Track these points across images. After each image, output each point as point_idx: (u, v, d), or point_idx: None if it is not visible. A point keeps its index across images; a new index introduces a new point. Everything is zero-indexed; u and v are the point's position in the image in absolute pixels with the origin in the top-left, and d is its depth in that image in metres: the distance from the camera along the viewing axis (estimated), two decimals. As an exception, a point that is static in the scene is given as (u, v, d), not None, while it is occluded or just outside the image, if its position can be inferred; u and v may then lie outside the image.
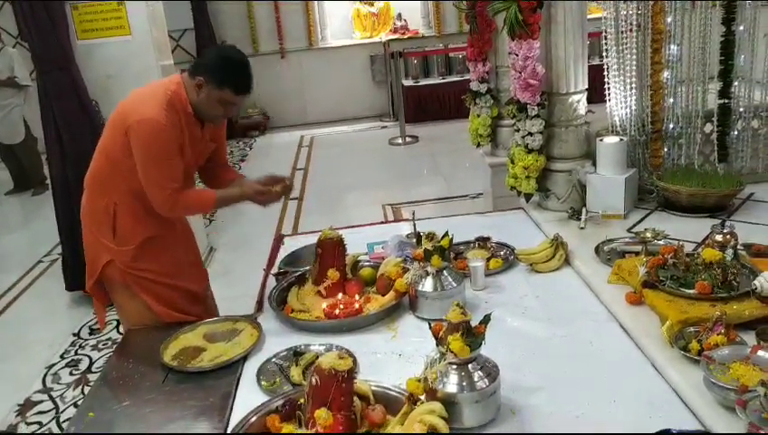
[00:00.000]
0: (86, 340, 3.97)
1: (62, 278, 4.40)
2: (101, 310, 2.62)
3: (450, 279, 2.09)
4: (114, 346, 3.73)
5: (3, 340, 4.11)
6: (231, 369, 1.97)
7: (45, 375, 3.61)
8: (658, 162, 2.82)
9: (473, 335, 1.55)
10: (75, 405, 3.22)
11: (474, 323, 1.61)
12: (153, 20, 4.36)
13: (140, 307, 2.42)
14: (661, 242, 2.24)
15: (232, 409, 1.77)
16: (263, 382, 1.85)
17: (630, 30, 2.71)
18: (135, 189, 2.30)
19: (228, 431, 1.64)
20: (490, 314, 1.63)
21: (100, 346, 3.87)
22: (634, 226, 2.54)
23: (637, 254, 2.23)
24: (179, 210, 2.39)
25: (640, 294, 1.94)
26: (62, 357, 3.79)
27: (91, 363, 3.68)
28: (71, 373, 3.61)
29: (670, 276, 1.92)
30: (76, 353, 3.80)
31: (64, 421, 3.16)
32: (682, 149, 2.82)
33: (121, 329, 3.99)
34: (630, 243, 2.36)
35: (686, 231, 2.39)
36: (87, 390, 3.36)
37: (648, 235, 2.24)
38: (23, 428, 3.21)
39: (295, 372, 1.86)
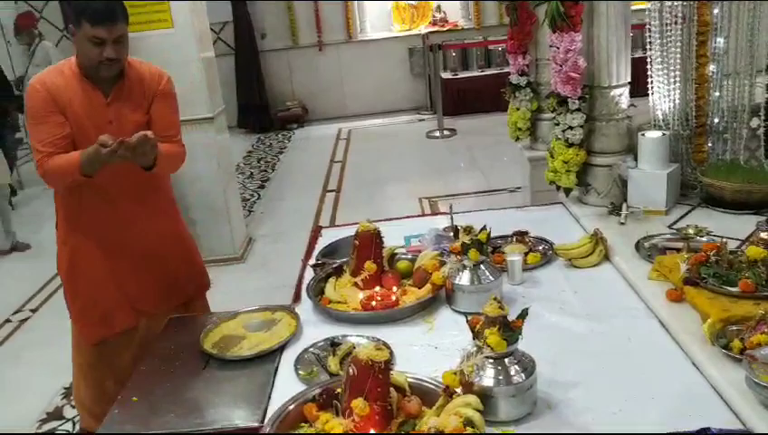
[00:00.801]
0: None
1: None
2: None
3: (487, 273, 2.08)
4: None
5: (48, 326, 4.24)
6: (269, 358, 2.00)
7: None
8: (702, 157, 2.76)
9: (510, 330, 1.55)
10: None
11: (511, 317, 1.61)
12: (195, 13, 4.43)
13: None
14: (704, 239, 2.20)
15: (270, 396, 1.80)
16: (300, 372, 1.88)
17: (675, 22, 2.65)
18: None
19: (266, 418, 1.67)
20: (527, 309, 1.63)
21: (141, 333, 3.96)
22: (676, 222, 2.50)
23: (678, 250, 2.19)
24: (50, 175, 2.26)
25: (681, 291, 1.91)
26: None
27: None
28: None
29: (712, 274, 1.88)
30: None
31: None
32: (727, 144, 2.76)
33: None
34: (672, 239, 2.32)
35: (730, 228, 2.33)
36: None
37: (691, 231, 2.20)
38: (68, 410, 3.32)
39: (332, 362, 1.88)
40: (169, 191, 2.70)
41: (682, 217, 2.53)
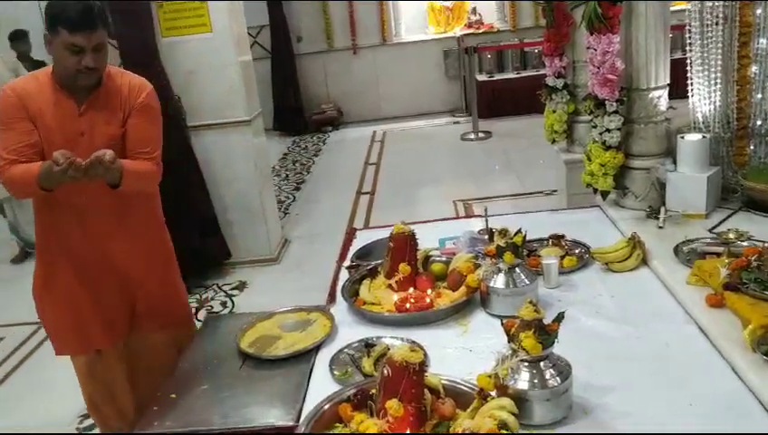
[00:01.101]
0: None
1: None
2: None
3: (523, 276, 2.08)
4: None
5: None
6: (304, 358, 2.02)
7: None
8: (743, 160, 2.70)
9: (545, 333, 1.55)
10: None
11: (546, 320, 1.60)
12: (233, 17, 4.49)
13: None
14: (745, 243, 2.16)
15: (305, 396, 1.83)
16: (335, 372, 1.89)
17: (716, 23, 2.60)
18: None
19: (301, 417, 1.68)
20: (563, 313, 1.62)
21: (179, 332, 4.03)
22: (716, 226, 2.45)
23: (718, 255, 2.15)
24: (10, 184, 2.16)
25: (721, 296, 1.88)
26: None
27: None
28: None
29: (754, 279, 1.85)
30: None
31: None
32: (770, 147, 2.70)
33: (200, 316, 4.17)
34: (712, 244, 2.28)
35: (773, 233, 2.29)
36: (167, 373, 3.51)
37: (731, 235, 2.16)
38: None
39: (367, 363, 1.89)
40: (154, 209, 2.51)
41: (722, 222, 2.49)
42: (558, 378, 1.54)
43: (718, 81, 2.65)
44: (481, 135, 7.89)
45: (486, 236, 2.44)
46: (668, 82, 2.65)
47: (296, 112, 9.26)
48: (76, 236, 2.31)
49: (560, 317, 1.60)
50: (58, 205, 2.25)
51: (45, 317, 2.44)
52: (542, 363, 1.55)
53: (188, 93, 4.47)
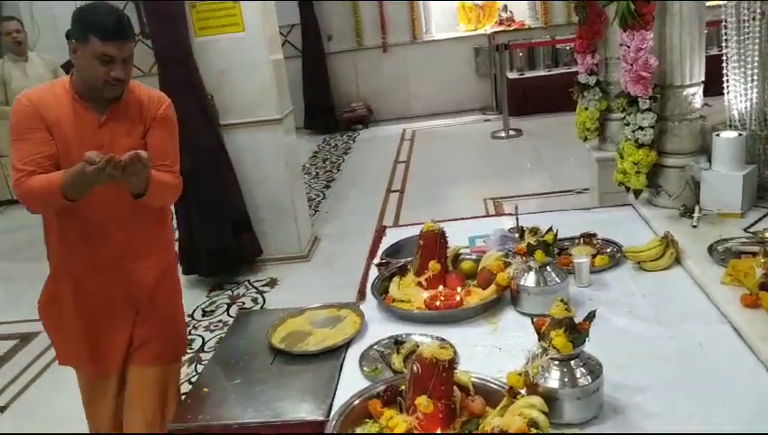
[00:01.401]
0: (199, 321, 4.21)
1: (178, 263, 4.65)
2: None
3: (553, 275, 2.07)
4: (225, 328, 3.93)
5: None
6: (335, 354, 2.04)
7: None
8: (781, 158, 2.65)
9: (576, 332, 1.54)
10: (189, 382, 3.43)
11: (577, 319, 1.60)
12: (265, 16, 4.53)
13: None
14: (782, 243, 2.12)
15: (335, 391, 1.85)
16: (365, 368, 1.91)
17: (753, 18, 2.55)
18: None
19: (332, 412, 1.70)
20: (595, 311, 1.61)
21: (212, 327, 4.10)
22: (752, 225, 2.41)
23: (754, 255, 2.11)
24: (29, 196, 2.03)
25: (757, 296, 1.85)
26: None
27: (204, 343, 3.90)
28: (185, 352, 3.83)
29: (791, 279, 1.81)
30: (190, 334, 4.02)
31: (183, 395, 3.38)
32: (808, 145, 2.64)
33: (232, 312, 4.22)
34: (747, 243, 2.24)
35: (812, 233, 2.24)
36: (200, 367, 3.57)
37: (767, 235, 2.13)
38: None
39: (396, 360, 1.90)
40: (167, 230, 2.42)
41: (759, 221, 2.44)
42: (589, 377, 1.53)
43: (755, 77, 2.60)
44: (512, 133, 7.84)
45: (517, 235, 2.43)
46: (703, 78, 2.61)
47: (327, 111, 9.30)
48: (91, 254, 2.21)
49: (591, 316, 1.59)
50: (75, 220, 2.16)
51: (49, 331, 2.39)
52: (572, 362, 1.55)
53: (221, 92, 4.52)
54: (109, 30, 1.97)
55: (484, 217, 3.34)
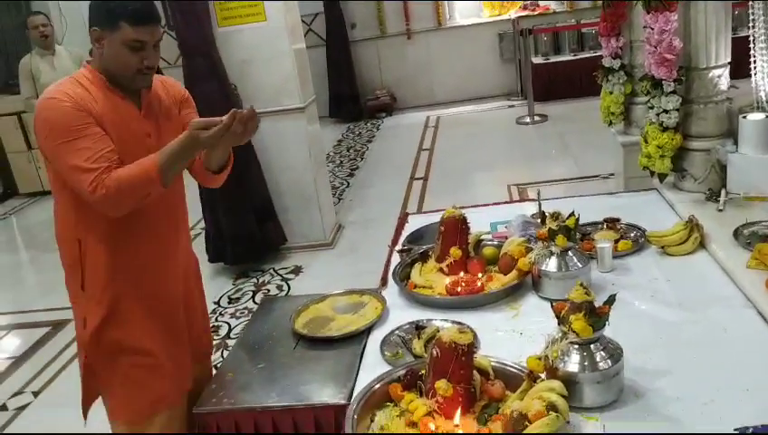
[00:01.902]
0: (225, 308, 4.27)
1: (204, 251, 4.73)
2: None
3: (575, 259, 2.06)
4: (250, 315, 3.98)
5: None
6: (357, 339, 2.06)
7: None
8: (811, 140, 2.60)
9: (596, 316, 1.53)
10: (215, 367, 3.47)
11: (598, 304, 1.59)
12: (287, 6, 4.55)
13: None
14: (809, 226, 2.08)
15: (357, 376, 1.87)
16: (386, 353, 1.92)
17: (782, -3, 2.50)
18: (99, 214, 1.85)
19: (353, 396, 1.72)
20: (615, 295, 1.60)
21: (237, 314, 4.15)
22: (780, 209, 2.37)
23: (781, 238, 2.09)
24: (118, 193, 1.77)
25: (783, 280, 1.82)
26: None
27: (230, 330, 3.96)
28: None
29: (818, 263, 1.78)
30: (216, 320, 4.10)
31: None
32: (839, 126, 2.58)
33: (257, 299, 4.27)
34: (775, 227, 2.21)
35: (841, 216, 2.20)
36: (226, 353, 3.63)
37: (795, 218, 2.09)
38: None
39: (417, 345, 1.91)
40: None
41: (787, 204, 2.40)
42: (609, 361, 1.53)
43: (783, 57, 2.55)
44: (536, 119, 7.77)
45: (539, 220, 2.42)
46: (729, 60, 2.56)
47: (352, 99, 9.31)
48: (162, 257, 2.06)
49: (611, 300, 1.58)
50: (148, 224, 1.97)
51: (114, 383, 2.01)
52: (592, 346, 1.54)
53: (244, 82, 4.55)
54: (140, 14, 1.81)
55: (506, 202, 3.32)
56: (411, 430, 1.55)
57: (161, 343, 2.02)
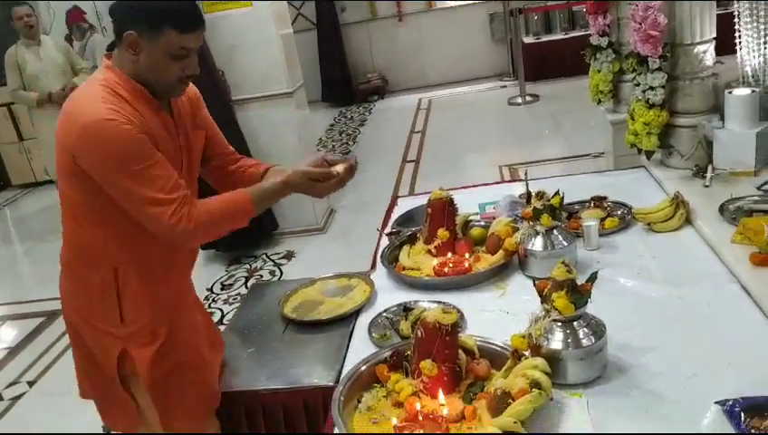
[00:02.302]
0: (218, 294, 4.28)
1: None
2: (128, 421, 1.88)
3: (561, 238, 2.06)
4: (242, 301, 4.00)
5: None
6: (345, 322, 2.07)
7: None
8: (796, 114, 2.60)
9: (578, 293, 1.54)
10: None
11: (582, 281, 1.60)
12: (273, -10, 4.51)
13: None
14: (794, 200, 2.09)
15: (345, 358, 1.88)
16: (374, 335, 1.93)
17: (766, -29, 2.49)
18: (137, 241, 1.71)
19: (340, 378, 1.73)
20: (596, 273, 1.61)
21: (230, 300, 4.16)
22: (765, 183, 2.37)
23: (766, 213, 2.09)
24: (202, 227, 1.65)
25: (766, 254, 1.83)
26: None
27: (223, 316, 3.97)
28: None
29: (800, 236, 1.79)
30: (209, 307, 4.11)
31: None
32: (825, 100, 2.58)
33: (250, 284, 4.28)
34: (760, 201, 2.21)
35: (827, 189, 2.21)
36: (219, 340, 3.64)
37: (780, 192, 2.09)
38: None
39: (405, 326, 1.92)
40: None
41: (773, 179, 2.41)
42: (592, 337, 1.54)
43: (768, 32, 2.54)
44: (528, 99, 7.75)
45: (525, 200, 2.43)
46: (714, 35, 2.55)
47: (344, 83, 9.26)
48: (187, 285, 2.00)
49: (593, 277, 1.59)
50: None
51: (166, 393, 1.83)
52: (575, 323, 1.55)
53: (231, 68, 4.53)
54: (189, 19, 1.62)
55: (495, 183, 3.32)
56: (397, 410, 1.57)
57: (205, 353, 1.94)
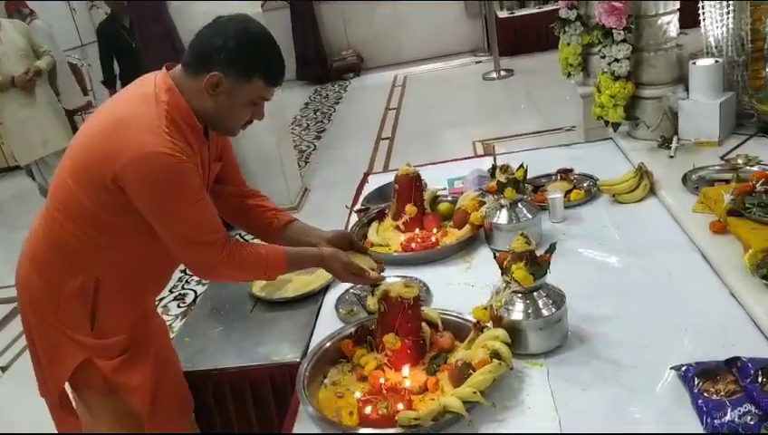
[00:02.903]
0: (191, 276, 4.26)
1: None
2: (75, 430, 1.81)
3: (525, 211, 2.08)
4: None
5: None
6: (313, 299, 2.09)
7: (156, 308, 3.92)
8: (759, 84, 2.62)
9: (537, 265, 1.56)
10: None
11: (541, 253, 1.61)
12: (240, -33, 4.44)
13: (126, 419, 1.75)
14: (754, 168, 2.12)
15: (312, 334, 1.88)
16: (341, 311, 1.94)
17: (728, -59, 2.50)
18: (131, 258, 1.66)
19: (307, 354, 1.74)
20: (555, 244, 1.63)
21: (203, 282, 4.14)
22: (728, 153, 2.40)
23: (727, 182, 2.12)
24: (231, 270, 1.63)
25: (725, 222, 1.86)
26: (170, 291, 4.11)
27: (196, 297, 3.96)
28: (178, 306, 3.92)
29: (757, 204, 1.82)
30: (183, 288, 4.11)
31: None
32: (787, 69, 2.61)
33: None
34: (721, 171, 2.24)
35: (787, 157, 2.24)
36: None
37: (740, 161, 2.12)
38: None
39: (371, 302, 1.93)
40: None
41: (735, 148, 2.43)
42: (552, 307, 1.56)
43: (730, 1, 2.55)
44: (503, 74, 7.74)
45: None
46: (678, 6, 2.56)
47: (318, 61, 9.18)
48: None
49: (551, 248, 1.60)
50: (163, 267, 1.80)
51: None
52: (535, 294, 1.57)
53: (200, 46, 4.47)
54: (280, 73, 1.59)
55: (464, 159, 3.32)
56: (362, 384, 1.58)
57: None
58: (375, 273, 1.78)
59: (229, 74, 1.52)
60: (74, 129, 5.48)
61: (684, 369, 1.37)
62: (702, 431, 1.26)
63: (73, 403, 1.79)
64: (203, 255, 1.58)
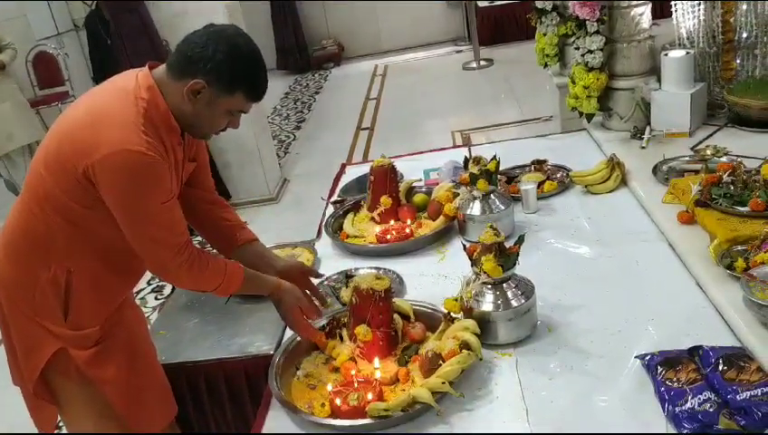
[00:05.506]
0: (171, 268, 4.24)
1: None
2: (50, 417, 1.80)
3: (498, 202, 2.10)
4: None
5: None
6: (288, 291, 2.08)
7: (134, 299, 3.90)
8: (730, 75, 2.66)
9: (506, 256, 1.58)
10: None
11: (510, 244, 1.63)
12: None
13: (102, 408, 1.73)
14: (723, 159, 2.15)
15: (286, 327, 1.89)
16: (315, 303, 1.95)
17: (700, -68, 2.52)
18: (102, 250, 1.64)
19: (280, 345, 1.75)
20: (524, 235, 1.65)
21: (183, 273, 4.14)
22: (699, 143, 2.43)
23: (696, 173, 2.15)
24: (186, 276, 1.61)
25: (693, 213, 1.89)
26: (148, 283, 4.10)
27: (173, 290, 3.94)
28: (155, 298, 3.91)
29: (723, 194, 1.85)
30: (160, 281, 4.08)
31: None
32: (757, 60, 2.64)
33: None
34: (691, 161, 2.27)
35: (757, 148, 2.26)
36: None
37: (709, 152, 2.15)
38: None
39: (345, 294, 1.94)
40: None
41: (706, 139, 2.47)
42: (521, 298, 1.58)
43: (702, -7, 2.58)
44: (483, 63, 7.75)
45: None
46: (650, -2, 2.59)
47: (298, 50, 9.12)
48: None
49: (520, 240, 1.62)
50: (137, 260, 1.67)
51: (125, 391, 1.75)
52: (504, 285, 1.59)
53: (175, 37, 4.39)
54: (262, 91, 1.61)
55: (441, 150, 3.33)
56: (335, 375, 1.59)
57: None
58: (315, 330, 1.72)
59: (212, 84, 1.52)
60: (42, 121, 5.41)
61: (648, 358, 1.40)
62: (663, 418, 1.29)
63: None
64: (162, 255, 1.57)
